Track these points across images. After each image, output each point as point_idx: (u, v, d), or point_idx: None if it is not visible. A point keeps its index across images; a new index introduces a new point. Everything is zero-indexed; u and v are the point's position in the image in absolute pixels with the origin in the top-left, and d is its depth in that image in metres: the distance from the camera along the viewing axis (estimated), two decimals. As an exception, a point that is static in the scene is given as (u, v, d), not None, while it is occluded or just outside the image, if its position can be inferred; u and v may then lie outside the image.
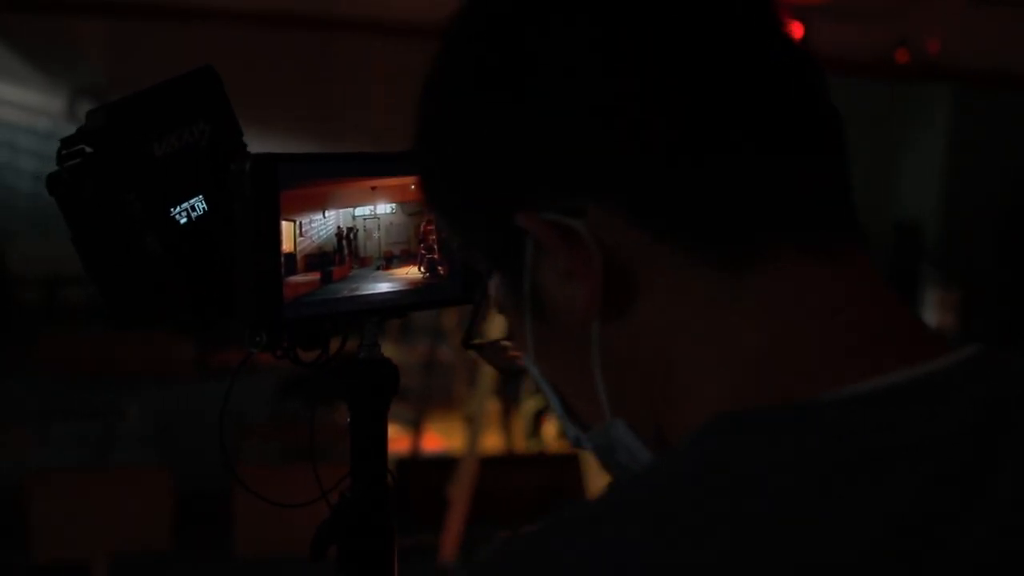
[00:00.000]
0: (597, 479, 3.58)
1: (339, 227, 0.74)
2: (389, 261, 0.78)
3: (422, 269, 0.79)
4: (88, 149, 0.72)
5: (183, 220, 0.73)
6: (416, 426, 4.40)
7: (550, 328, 0.52)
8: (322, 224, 0.74)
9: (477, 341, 0.62)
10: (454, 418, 4.93)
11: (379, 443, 0.79)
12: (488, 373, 3.61)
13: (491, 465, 4.24)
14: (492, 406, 4.46)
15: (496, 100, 0.50)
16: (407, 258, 0.79)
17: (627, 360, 0.51)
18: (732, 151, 0.48)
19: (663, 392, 0.50)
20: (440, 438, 4.58)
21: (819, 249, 0.49)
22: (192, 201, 0.73)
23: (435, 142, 0.54)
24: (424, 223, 0.80)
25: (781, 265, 0.48)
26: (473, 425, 3.62)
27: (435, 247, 0.80)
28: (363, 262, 0.76)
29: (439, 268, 0.81)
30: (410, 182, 0.78)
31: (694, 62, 0.48)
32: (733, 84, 0.48)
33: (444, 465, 3.97)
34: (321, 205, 0.73)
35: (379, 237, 0.77)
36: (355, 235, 0.75)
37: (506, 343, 0.62)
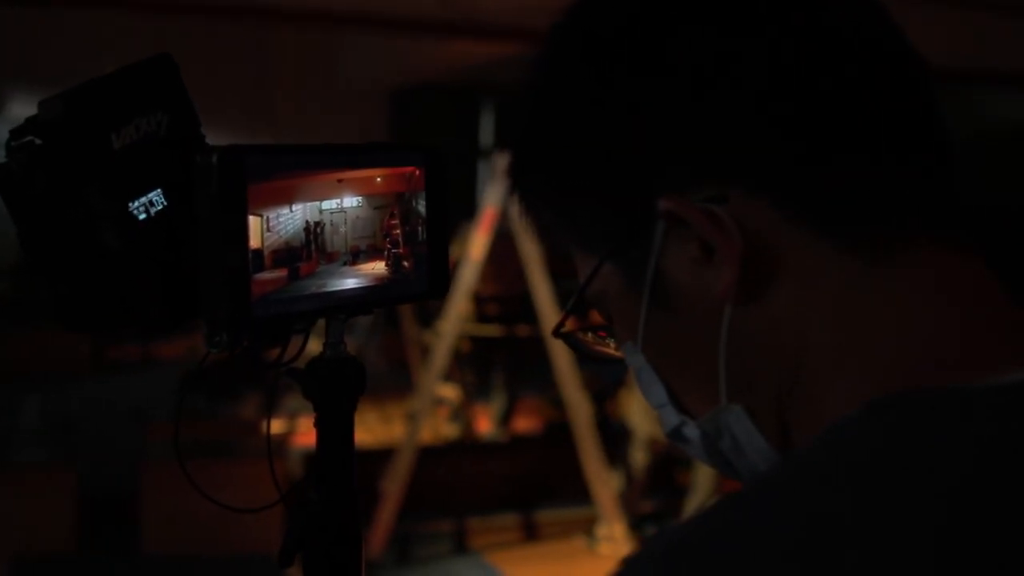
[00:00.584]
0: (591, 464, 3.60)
1: (307, 221, 0.72)
2: (356, 256, 0.75)
3: (388, 265, 0.77)
4: (38, 141, 0.68)
5: (142, 215, 0.69)
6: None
7: (670, 313, 0.52)
8: (289, 218, 0.71)
9: (566, 329, 0.62)
10: (374, 410, 4.89)
11: (346, 445, 0.77)
12: (439, 363, 3.60)
13: (439, 454, 4.22)
14: (451, 393, 4.44)
15: (638, 87, 0.51)
16: (373, 253, 0.76)
17: (755, 344, 0.51)
18: (870, 144, 0.50)
19: (793, 380, 0.50)
20: (362, 431, 4.55)
21: (949, 243, 0.50)
22: (150, 195, 0.70)
23: (559, 122, 0.54)
24: (387, 217, 0.78)
25: (918, 253, 0.49)
26: (414, 418, 3.60)
27: (400, 242, 0.78)
28: (330, 257, 0.74)
29: (404, 263, 0.78)
30: (376, 174, 0.76)
31: (839, 60, 0.50)
32: (871, 82, 0.50)
33: (368, 458, 3.94)
34: (288, 199, 0.71)
35: (345, 232, 0.74)
36: (322, 230, 0.73)
37: (589, 333, 0.62)
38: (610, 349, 0.61)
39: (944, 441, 0.43)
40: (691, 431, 0.55)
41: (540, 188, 0.56)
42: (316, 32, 4.96)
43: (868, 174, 0.50)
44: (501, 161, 3.66)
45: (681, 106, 0.50)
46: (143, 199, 0.69)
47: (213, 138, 0.72)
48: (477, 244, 3.66)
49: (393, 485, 3.53)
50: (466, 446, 4.57)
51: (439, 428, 4.56)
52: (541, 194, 0.56)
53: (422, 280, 0.79)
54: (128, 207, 0.68)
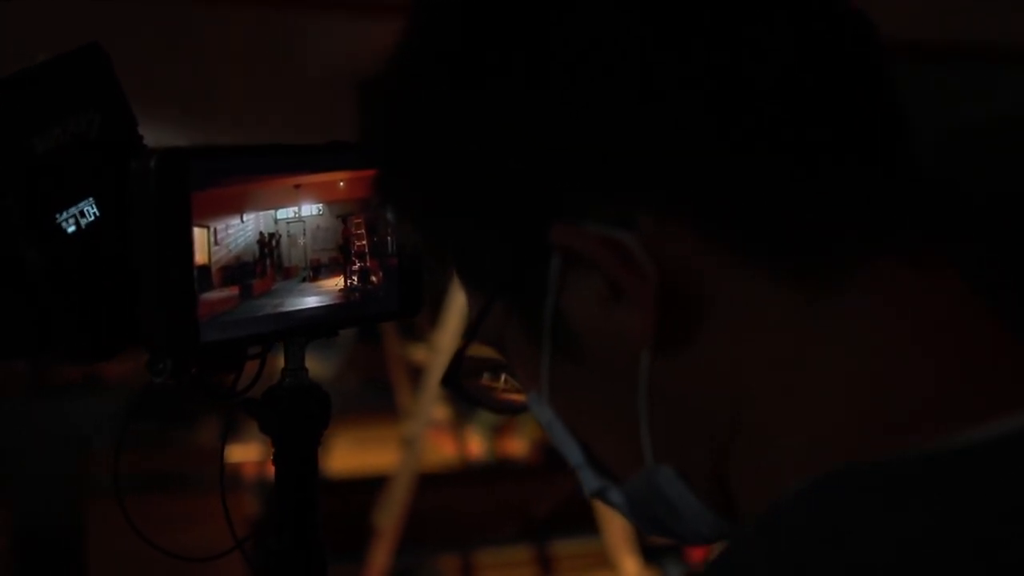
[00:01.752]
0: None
1: (260, 233, 0.70)
2: (317, 271, 0.74)
3: (353, 281, 0.75)
4: None
5: (71, 228, 0.67)
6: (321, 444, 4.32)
7: (576, 361, 0.48)
8: (240, 230, 0.69)
9: (461, 382, 0.56)
10: (360, 435, 4.87)
11: (309, 484, 0.75)
12: (434, 384, 3.56)
13: (435, 482, 4.20)
14: (441, 414, 4.40)
15: (514, 85, 0.46)
16: (336, 267, 0.75)
17: (681, 397, 0.47)
18: (812, 141, 0.45)
19: (730, 436, 0.47)
20: (348, 457, 4.51)
21: (913, 259, 0.46)
22: (81, 205, 0.68)
23: (417, 140, 0.49)
24: (351, 226, 0.76)
25: (876, 278, 0.45)
26: (412, 445, 3.56)
27: (366, 254, 0.77)
28: (287, 273, 0.72)
29: (372, 278, 0.77)
30: (338, 179, 0.74)
31: (774, 40, 0.45)
32: (814, 72, 0.45)
33: (354, 488, 3.91)
34: (238, 208, 0.69)
35: (305, 243, 0.73)
36: (278, 242, 0.71)
37: (492, 380, 0.58)
38: (519, 396, 0.56)
39: (905, 536, 0.40)
40: (616, 497, 0.52)
41: (408, 205, 0.51)
42: (271, 14, 4.94)
43: (810, 181, 0.45)
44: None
45: (572, 112, 0.45)
46: (72, 210, 0.67)
47: (152, 140, 0.71)
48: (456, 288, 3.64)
49: (388, 518, 3.50)
50: (468, 472, 4.55)
51: (439, 453, 4.54)
52: (411, 213, 0.51)
53: (392, 296, 0.77)
54: (55, 218, 0.66)
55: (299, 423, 0.75)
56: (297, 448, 0.75)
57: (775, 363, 0.45)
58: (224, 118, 5.05)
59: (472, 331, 0.51)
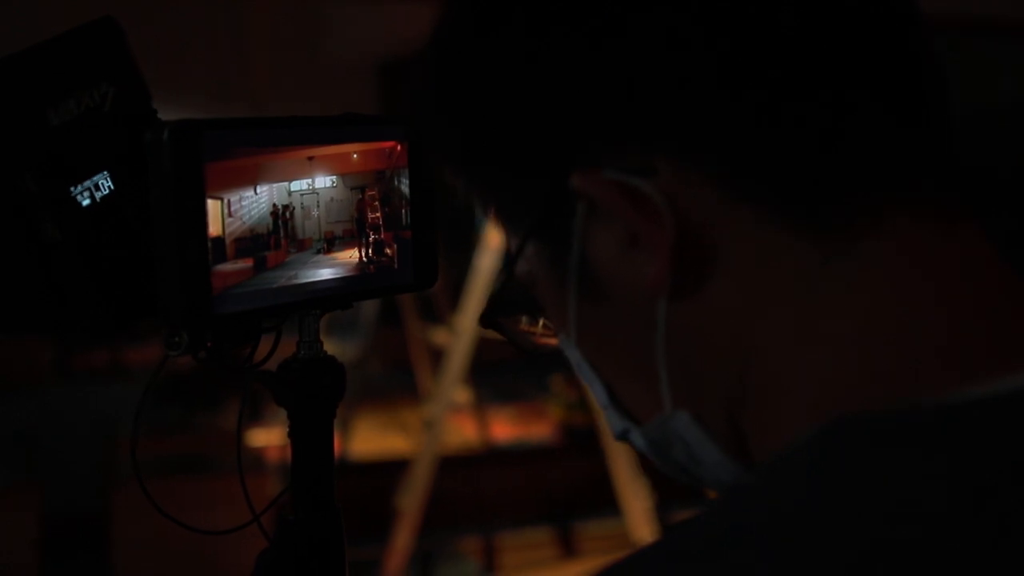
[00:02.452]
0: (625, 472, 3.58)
1: (274, 205, 0.70)
2: (331, 243, 0.74)
3: (367, 253, 0.75)
4: None
5: (86, 201, 0.68)
6: (344, 427, 4.32)
7: (601, 305, 0.49)
8: (254, 202, 0.69)
9: (499, 319, 0.58)
10: (385, 417, 4.88)
11: (325, 456, 0.75)
12: (456, 366, 3.56)
13: (457, 464, 4.21)
14: (463, 397, 4.40)
15: (541, 32, 0.47)
16: (350, 239, 0.75)
17: (698, 344, 0.48)
18: (834, 90, 0.45)
19: (743, 382, 0.47)
20: (371, 440, 4.53)
21: (932, 210, 0.46)
22: (96, 179, 0.68)
23: (457, 90, 0.51)
24: (365, 198, 0.76)
25: (889, 230, 0.45)
26: (433, 427, 3.57)
27: (380, 226, 0.76)
28: (301, 245, 0.72)
29: (386, 250, 0.77)
30: (352, 150, 0.74)
31: (799, 4, 0.45)
32: (836, 21, 0.45)
33: (378, 471, 3.92)
34: (252, 180, 0.69)
35: (319, 215, 0.73)
36: (291, 214, 0.71)
37: (530, 324, 0.59)
38: (555, 340, 0.58)
39: (904, 485, 0.40)
40: (638, 439, 0.53)
41: (451, 152, 0.53)
42: (295, 1, 4.95)
43: (829, 131, 0.45)
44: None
45: (595, 58, 0.46)
46: (87, 183, 0.68)
47: (175, 114, 0.71)
48: (496, 231, 3.62)
49: (410, 500, 3.50)
50: (488, 455, 4.55)
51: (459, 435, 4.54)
52: (454, 159, 0.53)
53: (406, 269, 0.77)
54: (70, 191, 0.67)
55: (314, 395, 0.75)
56: (312, 420, 0.75)
57: (788, 312, 0.46)
58: (242, 106, 5.06)
59: (508, 271, 0.53)
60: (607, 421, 0.54)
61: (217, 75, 5.00)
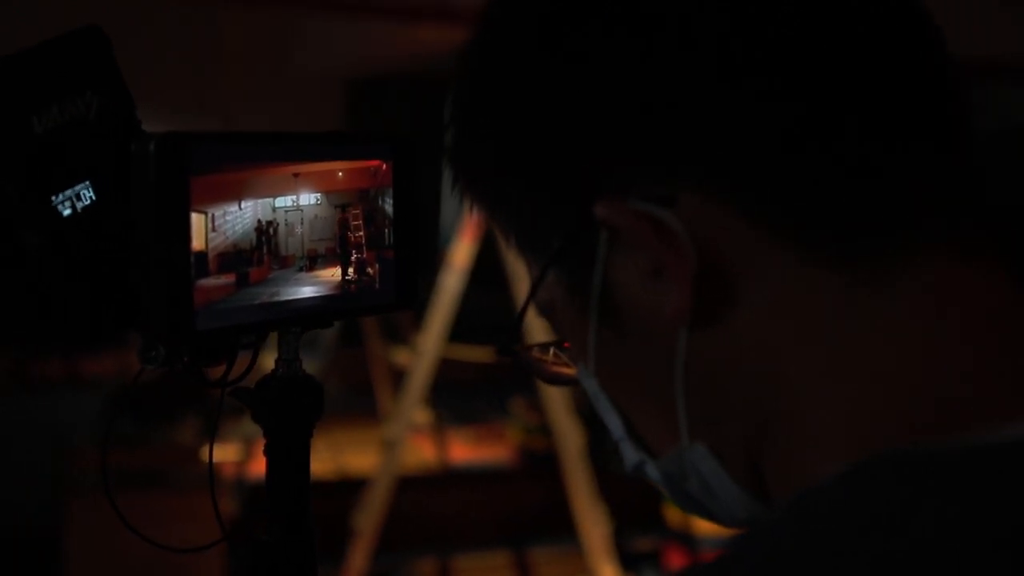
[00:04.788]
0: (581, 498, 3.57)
1: (259, 220, 0.69)
2: (313, 261, 0.73)
3: (349, 272, 0.75)
4: None
5: (67, 211, 0.67)
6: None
7: (620, 335, 0.49)
8: (238, 217, 0.68)
9: (516, 348, 0.58)
10: (344, 437, 4.85)
11: (301, 475, 0.74)
12: (416, 387, 3.54)
13: (414, 485, 4.18)
14: (422, 418, 4.38)
15: (568, 62, 0.47)
16: (333, 257, 0.74)
17: (717, 377, 0.47)
18: (863, 126, 0.45)
19: (763, 417, 0.47)
20: (329, 459, 4.50)
21: (961, 247, 0.46)
22: (77, 188, 0.67)
23: (484, 109, 0.51)
24: (349, 216, 0.75)
25: (919, 268, 0.45)
26: (392, 448, 3.54)
27: (363, 245, 0.76)
28: (284, 262, 0.71)
29: (368, 269, 0.76)
30: (337, 168, 0.74)
31: (829, 30, 0.45)
32: (868, 61, 0.45)
33: (335, 490, 3.89)
34: (237, 194, 0.68)
35: (302, 233, 0.72)
36: (275, 230, 0.70)
37: (544, 353, 0.59)
38: (568, 369, 0.58)
39: (943, 528, 0.39)
40: (653, 471, 0.52)
41: (481, 171, 0.52)
42: (264, 13, 4.92)
43: (858, 167, 0.44)
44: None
45: (621, 88, 0.46)
46: (68, 192, 0.67)
47: (147, 127, 0.70)
48: (461, 251, 3.61)
49: (367, 520, 3.48)
50: (446, 477, 4.53)
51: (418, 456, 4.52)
52: (483, 179, 0.53)
53: (388, 289, 0.77)
54: (51, 200, 0.66)
55: (292, 413, 0.74)
56: (289, 438, 0.74)
57: (812, 347, 0.45)
58: (214, 120, 5.03)
59: (528, 299, 0.52)
60: (622, 454, 0.54)
61: (189, 87, 4.97)
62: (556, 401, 3.61)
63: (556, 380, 0.60)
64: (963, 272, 0.46)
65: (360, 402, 4.86)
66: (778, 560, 0.41)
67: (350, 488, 3.74)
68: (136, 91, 0.71)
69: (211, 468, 0.80)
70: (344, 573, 3.42)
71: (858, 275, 0.45)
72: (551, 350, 0.60)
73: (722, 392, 0.48)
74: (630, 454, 0.53)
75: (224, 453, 3.85)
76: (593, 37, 0.47)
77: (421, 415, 4.35)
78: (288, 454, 0.74)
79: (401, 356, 4.22)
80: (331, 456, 4.55)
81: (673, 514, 4.32)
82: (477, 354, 4.20)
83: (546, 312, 0.53)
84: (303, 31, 5.07)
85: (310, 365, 0.77)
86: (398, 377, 4.07)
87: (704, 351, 0.47)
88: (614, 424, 0.53)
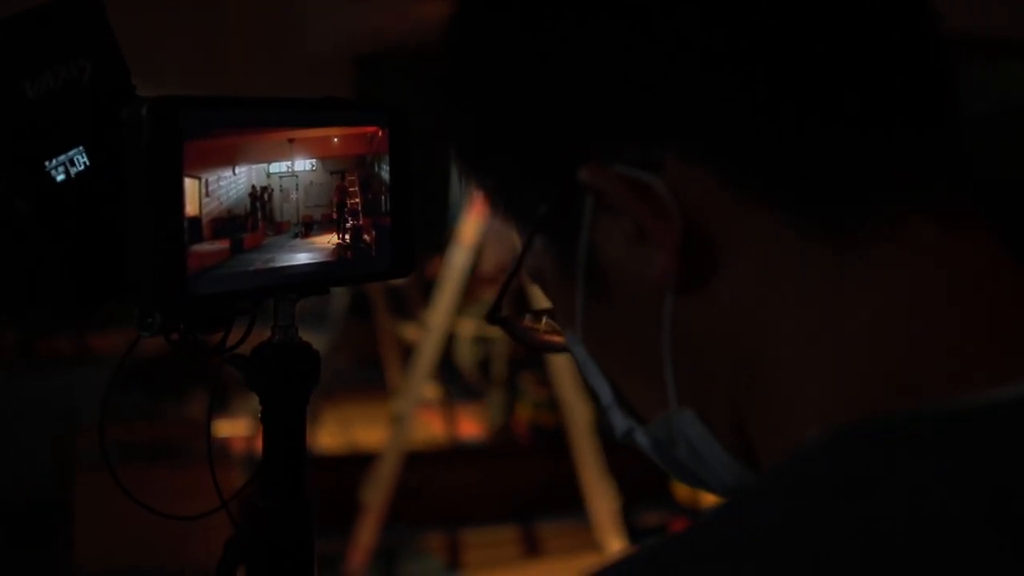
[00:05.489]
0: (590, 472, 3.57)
1: (253, 186, 0.69)
2: (309, 227, 0.73)
3: (345, 238, 0.75)
4: None
5: (60, 176, 0.66)
6: (311, 420, 4.30)
7: (607, 301, 0.49)
8: (232, 182, 0.68)
9: (503, 315, 0.58)
10: (352, 411, 4.86)
11: (297, 443, 0.74)
12: (425, 362, 3.54)
13: (423, 460, 4.20)
14: (432, 393, 4.38)
15: (552, 27, 0.47)
16: (329, 224, 0.74)
17: (704, 342, 0.47)
18: (847, 96, 0.45)
19: (749, 381, 0.47)
20: (337, 434, 4.51)
21: (944, 212, 0.45)
22: (71, 154, 0.67)
23: (468, 80, 0.51)
24: (345, 183, 0.75)
25: (901, 231, 0.45)
26: (400, 423, 3.55)
27: (359, 212, 0.76)
28: (279, 228, 0.71)
29: (364, 236, 0.76)
30: (333, 134, 0.73)
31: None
32: (849, 28, 0.45)
33: (344, 465, 3.90)
34: (231, 160, 0.68)
35: (297, 199, 0.72)
36: (270, 196, 0.70)
37: (536, 321, 0.59)
38: (559, 337, 0.58)
39: (920, 495, 0.39)
40: (642, 438, 0.52)
41: (465, 144, 0.53)
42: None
43: (843, 132, 0.44)
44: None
45: (605, 52, 0.46)
46: (62, 157, 0.66)
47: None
48: (469, 226, 3.61)
49: (375, 495, 3.49)
50: (455, 452, 4.54)
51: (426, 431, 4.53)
52: (467, 151, 0.53)
53: (384, 256, 0.76)
54: (44, 166, 0.65)
55: (288, 380, 0.74)
56: (285, 405, 0.74)
57: (796, 311, 0.45)
58: (230, 84, 5.02)
59: (515, 267, 0.52)
60: (611, 421, 0.54)
61: (193, 65, 4.96)
62: (564, 376, 3.61)
63: (545, 348, 0.60)
64: (949, 239, 0.45)
65: (369, 376, 4.87)
66: (756, 528, 0.41)
67: (358, 463, 3.76)
68: (137, 66, 0.71)
69: (209, 438, 0.80)
70: (352, 547, 3.43)
71: (843, 240, 0.45)
72: (543, 318, 0.60)
73: (708, 357, 0.48)
74: (619, 421, 0.53)
75: (234, 427, 3.87)
76: (576, 8, 0.47)
77: (430, 390, 4.35)
78: (284, 421, 0.74)
79: (410, 331, 4.22)
80: (340, 430, 4.57)
81: (681, 489, 4.33)
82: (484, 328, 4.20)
83: (537, 280, 0.53)
84: (308, 7, 5.06)
85: (319, 340, 0.77)
86: (407, 352, 4.07)
87: (690, 316, 0.47)
88: (603, 391, 0.53)
